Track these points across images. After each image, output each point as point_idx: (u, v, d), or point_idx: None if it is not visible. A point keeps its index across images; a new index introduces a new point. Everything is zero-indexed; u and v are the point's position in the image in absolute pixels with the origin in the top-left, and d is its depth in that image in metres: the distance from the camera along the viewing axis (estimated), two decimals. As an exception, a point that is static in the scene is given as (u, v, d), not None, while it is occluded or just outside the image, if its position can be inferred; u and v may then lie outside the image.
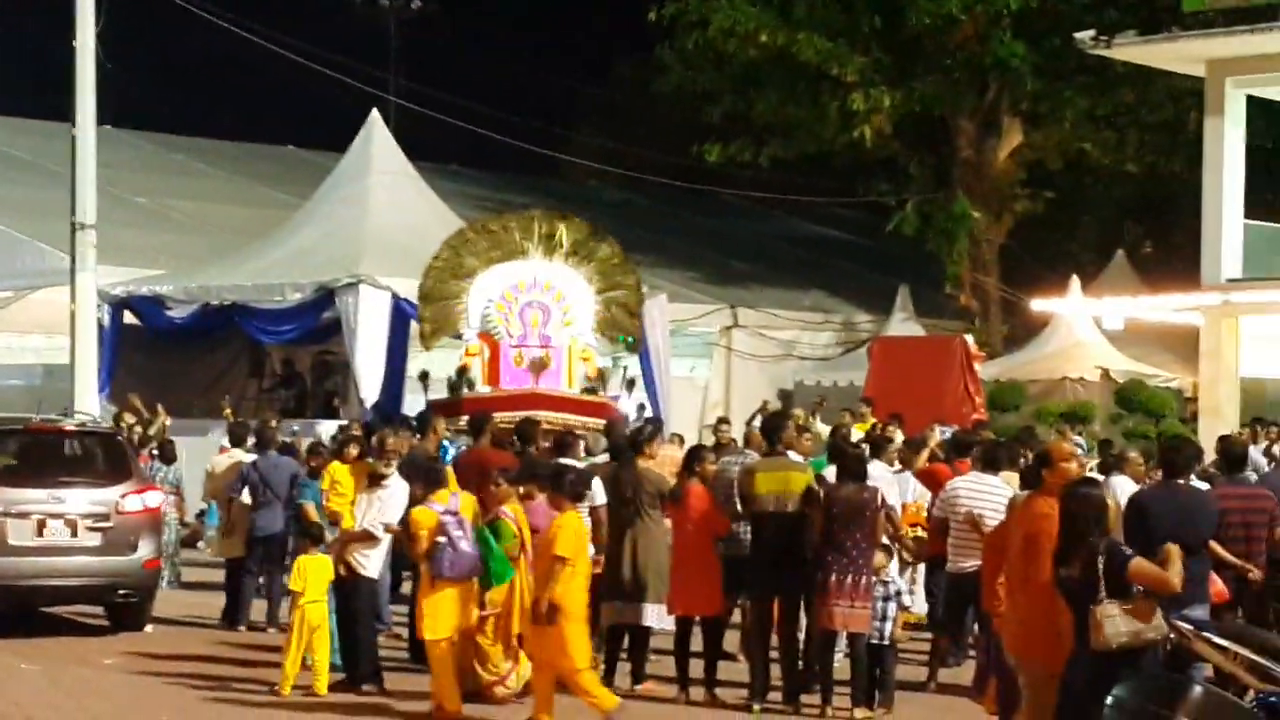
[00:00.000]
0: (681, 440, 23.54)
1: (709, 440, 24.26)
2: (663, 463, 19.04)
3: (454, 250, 22.15)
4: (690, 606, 15.93)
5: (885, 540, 15.65)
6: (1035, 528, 11.11)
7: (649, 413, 25.97)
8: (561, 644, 14.02)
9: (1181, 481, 13.76)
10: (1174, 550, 10.61)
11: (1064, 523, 10.93)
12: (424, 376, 23.04)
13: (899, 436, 21.79)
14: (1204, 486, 15.90)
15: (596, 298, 22.15)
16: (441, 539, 14.81)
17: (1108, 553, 10.67)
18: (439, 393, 22.32)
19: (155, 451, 23.24)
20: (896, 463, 18.95)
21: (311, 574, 15.85)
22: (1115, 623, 10.46)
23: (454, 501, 15.08)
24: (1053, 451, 11.65)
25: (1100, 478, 16.28)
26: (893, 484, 17.45)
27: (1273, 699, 10.84)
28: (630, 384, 25.39)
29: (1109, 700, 10.27)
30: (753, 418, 25.18)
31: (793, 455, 16.17)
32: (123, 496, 19.08)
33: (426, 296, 22.27)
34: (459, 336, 22.39)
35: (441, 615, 14.86)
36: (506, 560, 14.91)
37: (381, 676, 15.89)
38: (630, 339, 23.27)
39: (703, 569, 15.78)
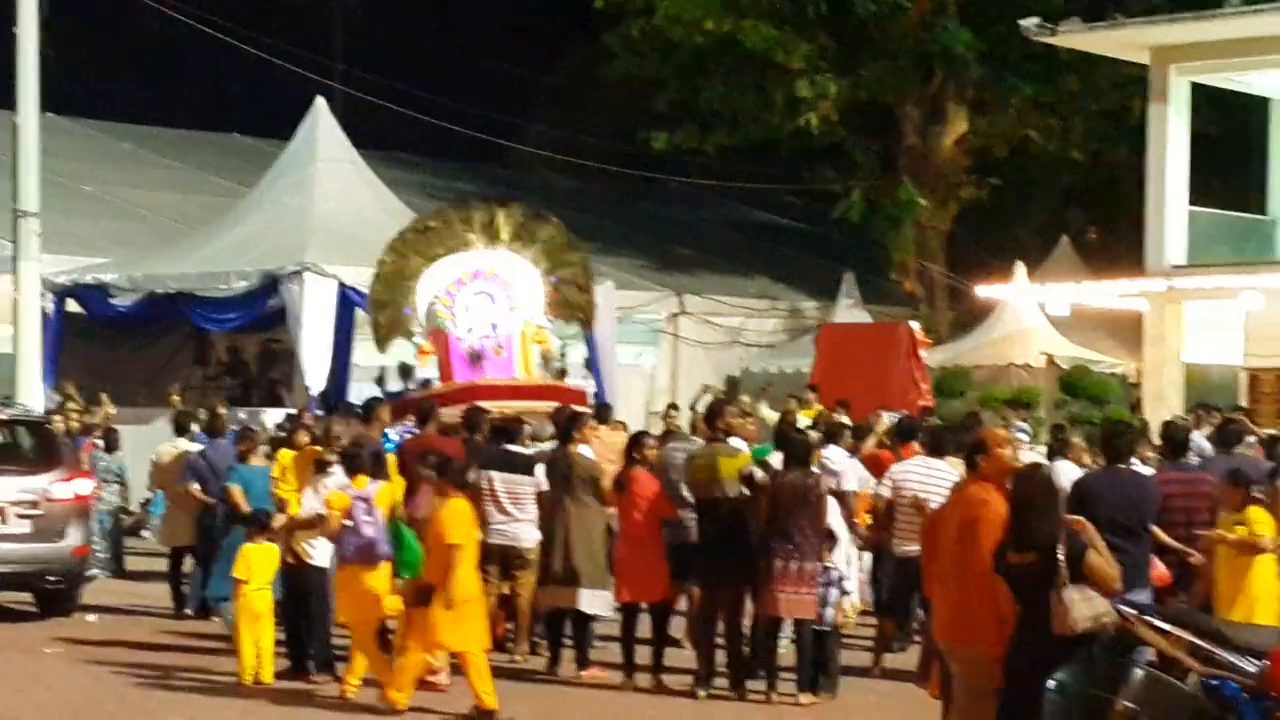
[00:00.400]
0: (625, 427, 23.57)
1: (656, 427, 24.26)
2: (608, 448, 19.06)
3: (398, 254, 22.02)
4: (637, 593, 15.97)
5: (842, 526, 15.71)
6: (971, 514, 11.09)
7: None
8: (425, 624, 14.36)
9: (1123, 466, 13.82)
10: (1098, 544, 10.69)
11: (1018, 509, 10.94)
12: (405, 372, 22.98)
13: (846, 422, 21.79)
14: (1147, 471, 16.00)
15: (544, 279, 22.08)
16: (349, 522, 15.01)
17: (1067, 541, 10.74)
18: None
19: (99, 440, 23.17)
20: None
21: (256, 562, 15.85)
22: (1079, 607, 10.53)
23: (371, 488, 15.22)
24: (988, 438, 11.53)
25: (1044, 463, 16.38)
26: (852, 469, 17.48)
27: (1214, 682, 10.92)
28: (587, 364, 25.33)
29: (1051, 684, 10.34)
30: (695, 402, 25.21)
31: (736, 441, 16.26)
32: (51, 484, 19.08)
33: (377, 303, 22.17)
34: (410, 337, 22.36)
35: (349, 597, 15.07)
36: (417, 551, 14.96)
37: (334, 665, 15.88)
38: (582, 318, 23.11)
39: (649, 555, 15.82)
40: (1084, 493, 13.43)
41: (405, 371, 26.56)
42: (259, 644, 15.73)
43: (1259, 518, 14.35)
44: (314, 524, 15.64)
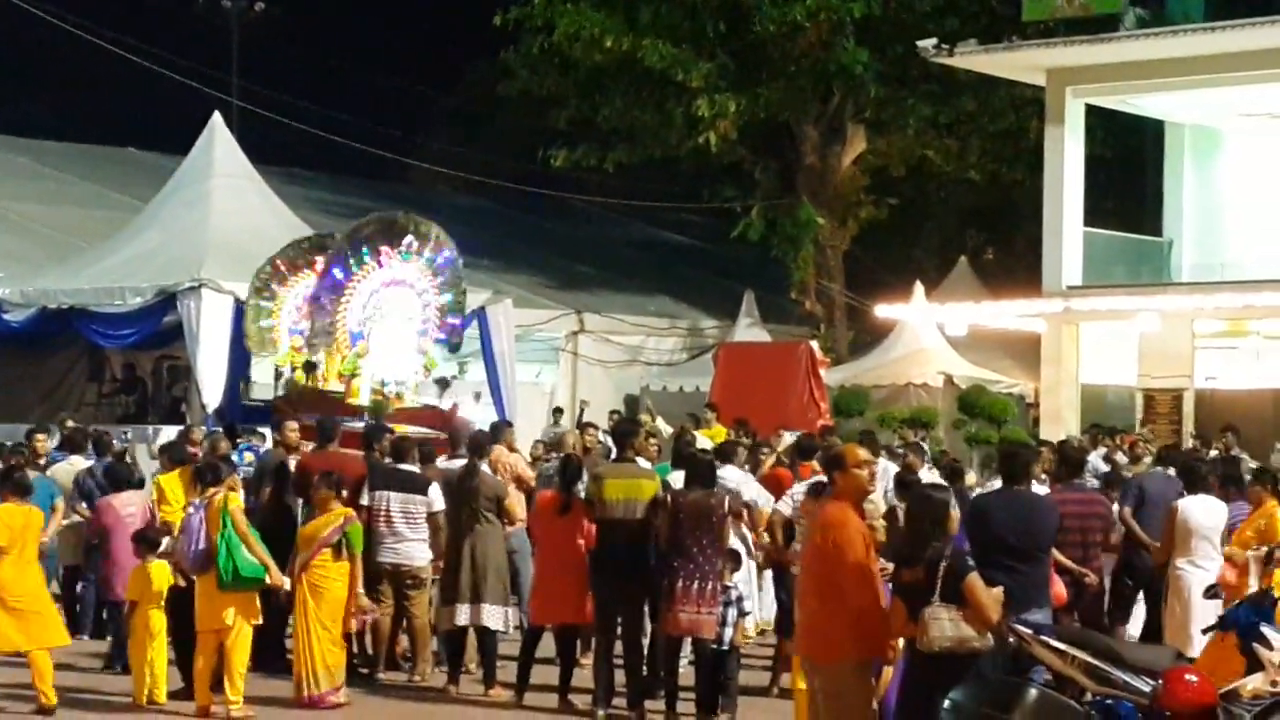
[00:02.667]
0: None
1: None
2: (505, 467, 19.00)
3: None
4: (559, 615, 15.86)
5: (741, 544, 15.73)
6: (829, 534, 10.98)
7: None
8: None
9: (1021, 487, 13.84)
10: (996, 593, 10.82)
11: (913, 526, 10.99)
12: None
13: (744, 442, 21.80)
14: (1043, 490, 16.09)
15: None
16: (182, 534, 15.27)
17: (951, 559, 10.78)
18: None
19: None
20: (745, 467, 18.93)
21: (148, 581, 15.72)
22: (942, 626, 10.57)
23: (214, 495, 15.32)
24: (846, 455, 11.42)
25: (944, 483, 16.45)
26: (749, 483, 17.50)
27: (1109, 701, 10.98)
28: (477, 396, 25.28)
29: (946, 704, 10.38)
30: (582, 422, 25.13)
31: (641, 461, 16.27)
32: None
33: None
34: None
35: (201, 607, 15.21)
36: (249, 564, 15.08)
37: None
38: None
39: (577, 580, 15.71)
40: (981, 514, 13.47)
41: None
42: (152, 664, 15.59)
43: None
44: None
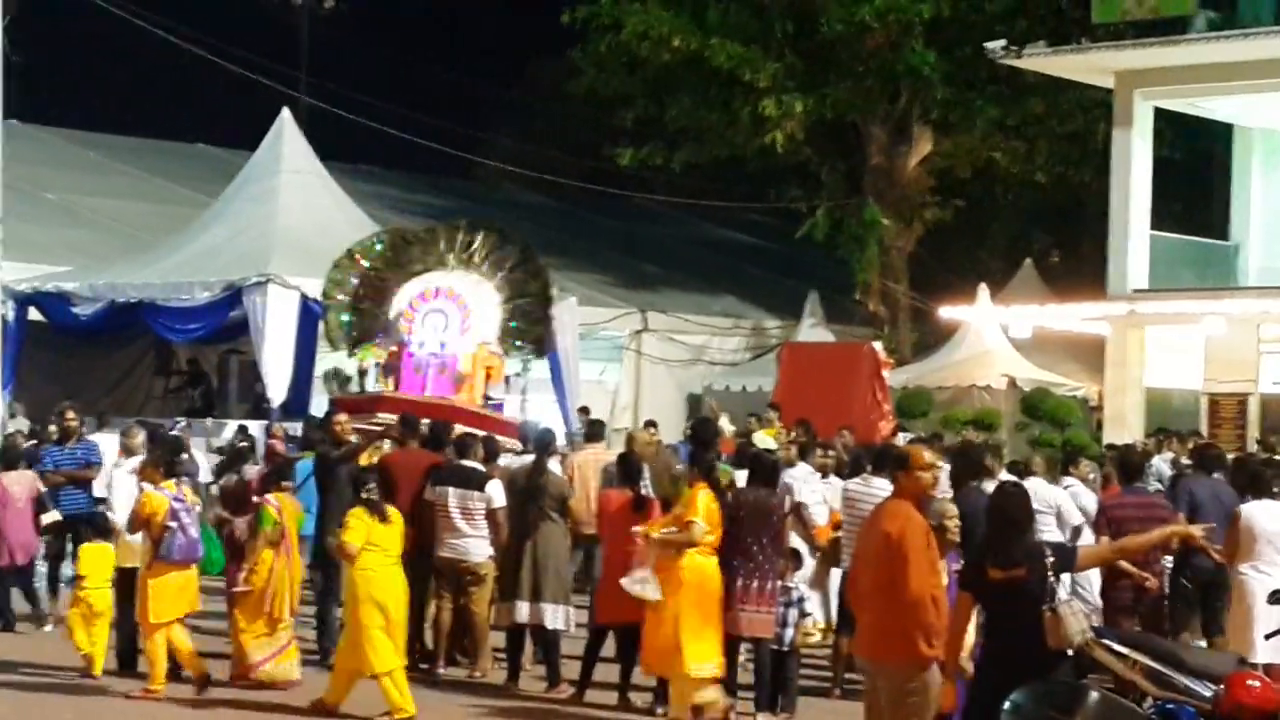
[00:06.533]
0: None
1: (618, 444, 24.15)
2: (585, 465, 19.05)
3: (384, 262, 21.98)
4: (623, 614, 15.86)
5: (800, 543, 15.73)
6: (896, 534, 10.97)
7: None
8: None
9: (975, 484, 14.62)
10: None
11: (1000, 526, 10.93)
12: (337, 375, 22.93)
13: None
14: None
15: (502, 306, 21.96)
16: (172, 524, 15.41)
17: (1056, 554, 10.83)
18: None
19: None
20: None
21: (95, 562, 16.42)
22: (1078, 620, 10.60)
23: (181, 488, 15.75)
24: (913, 456, 11.42)
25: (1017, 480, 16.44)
26: (810, 483, 17.47)
27: (1170, 706, 10.95)
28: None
29: (1007, 705, 10.36)
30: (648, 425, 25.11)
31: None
32: None
33: (356, 307, 22.05)
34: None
35: (167, 599, 15.48)
36: (218, 550, 16.15)
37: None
38: (527, 351, 22.77)
39: None
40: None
41: (338, 377, 26.46)
42: (94, 640, 16.23)
43: None
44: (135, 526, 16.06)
